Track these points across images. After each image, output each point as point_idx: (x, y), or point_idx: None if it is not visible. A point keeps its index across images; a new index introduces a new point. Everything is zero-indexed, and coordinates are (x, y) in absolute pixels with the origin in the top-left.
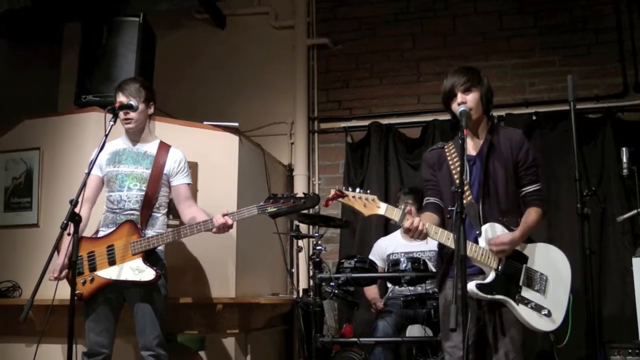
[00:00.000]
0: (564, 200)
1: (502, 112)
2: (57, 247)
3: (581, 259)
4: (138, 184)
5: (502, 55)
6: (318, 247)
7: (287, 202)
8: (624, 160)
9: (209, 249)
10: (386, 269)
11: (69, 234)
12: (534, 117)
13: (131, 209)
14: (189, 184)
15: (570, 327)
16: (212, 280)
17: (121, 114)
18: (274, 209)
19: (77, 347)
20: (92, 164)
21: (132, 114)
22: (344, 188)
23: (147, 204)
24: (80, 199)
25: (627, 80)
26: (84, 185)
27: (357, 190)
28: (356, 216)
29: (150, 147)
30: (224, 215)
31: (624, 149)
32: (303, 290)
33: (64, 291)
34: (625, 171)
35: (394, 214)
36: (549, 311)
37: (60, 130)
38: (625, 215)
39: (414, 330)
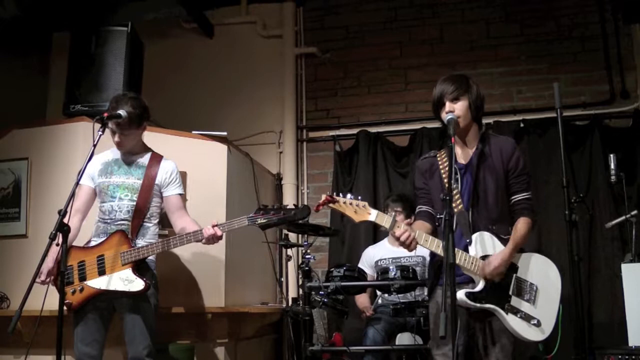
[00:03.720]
0: (552, 207)
1: (490, 120)
2: (45, 258)
3: (570, 265)
4: (129, 194)
5: (490, 63)
6: (307, 256)
7: (277, 213)
8: (612, 166)
9: (198, 259)
10: (375, 277)
11: (57, 245)
12: (522, 125)
13: (122, 219)
14: (180, 194)
15: (559, 337)
16: (202, 290)
17: (114, 136)
18: (264, 221)
19: (65, 357)
20: (81, 174)
21: (121, 138)
22: (334, 194)
23: (138, 214)
24: (69, 209)
25: (614, 87)
26: (72, 195)
27: (348, 196)
28: (345, 225)
29: (142, 158)
30: (213, 226)
31: (611, 155)
32: (292, 299)
33: (52, 301)
34: (613, 178)
35: (385, 220)
36: (538, 321)
37: (48, 140)
38: (614, 222)
39: (404, 338)
